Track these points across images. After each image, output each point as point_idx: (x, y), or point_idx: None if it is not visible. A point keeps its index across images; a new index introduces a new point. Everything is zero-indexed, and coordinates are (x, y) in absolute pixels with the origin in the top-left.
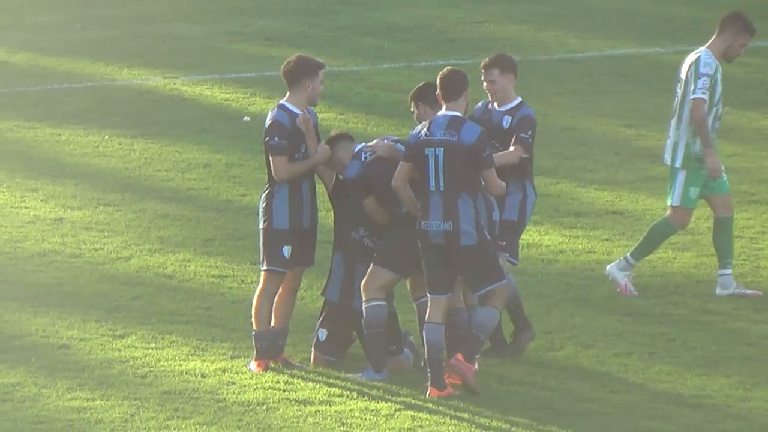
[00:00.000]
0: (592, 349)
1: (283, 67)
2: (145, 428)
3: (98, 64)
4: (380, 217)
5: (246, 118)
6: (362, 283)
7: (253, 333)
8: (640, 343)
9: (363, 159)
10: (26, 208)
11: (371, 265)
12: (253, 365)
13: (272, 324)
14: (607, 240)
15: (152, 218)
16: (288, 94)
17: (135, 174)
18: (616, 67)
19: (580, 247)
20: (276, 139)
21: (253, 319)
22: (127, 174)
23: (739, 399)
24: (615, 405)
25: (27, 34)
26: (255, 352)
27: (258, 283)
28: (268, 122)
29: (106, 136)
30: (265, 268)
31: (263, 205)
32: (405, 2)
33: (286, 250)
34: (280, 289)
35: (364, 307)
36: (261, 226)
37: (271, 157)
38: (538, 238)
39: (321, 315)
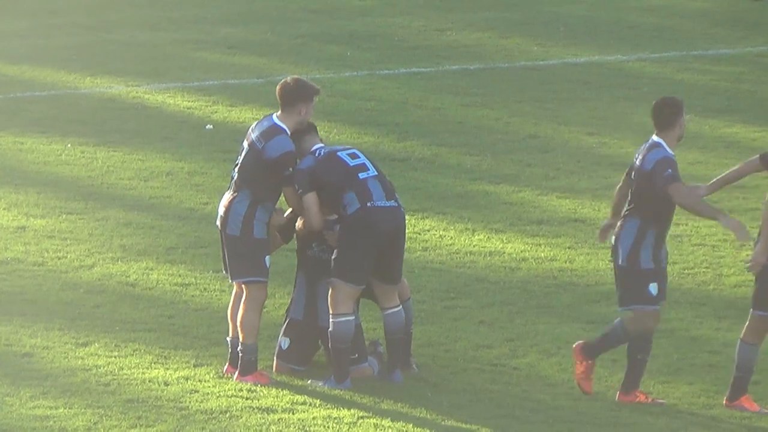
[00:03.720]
0: (554, 357)
1: (280, 86)
2: None
3: (61, 72)
4: (315, 217)
5: (209, 126)
6: (328, 297)
7: (242, 346)
8: None
9: (317, 154)
10: None
11: (331, 278)
12: (251, 378)
13: (232, 333)
14: (569, 248)
15: (115, 226)
16: (280, 111)
17: (98, 182)
18: (579, 75)
19: (543, 254)
20: (290, 169)
21: (240, 332)
22: (90, 182)
23: (702, 406)
24: (577, 413)
25: None
26: (244, 367)
27: (220, 292)
28: (282, 150)
29: (69, 145)
30: (249, 279)
31: (242, 216)
32: (367, 10)
33: (268, 260)
34: (236, 300)
35: (331, 321)
36: (233, 233)
37: (285, 189)
38: (501, 246)
39: (284, 323)
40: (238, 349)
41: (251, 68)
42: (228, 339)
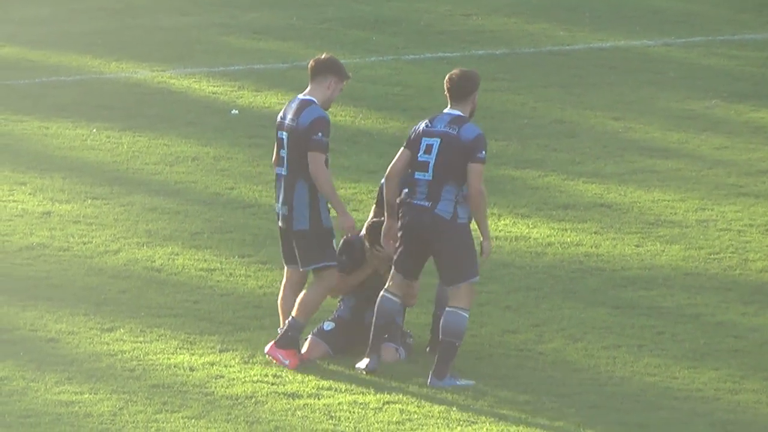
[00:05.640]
0: (580, 342)
1: (313, 60)
2: (134, 422)
3: (86, 57)
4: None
5: (234, 111)
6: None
7: (292, 320)
8: (628, 336)
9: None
10: (14, 201)
11: None
12: (283, 353)
13: (283, 324)
14: (595, 233)
15: (140, 211)
16: (309, 88)
17: (123, 167)
18: (604, 60)
19: (569, 239)
20: (320, 134)
21: (297, 307)
22: (115, 167)
23: (728, 391)
24: (604, 398)
25: (14, 28)
26: (284, 341)
27: (245, 277)
28: (312, 116)
29: (94, 130)
30: (322, 264)
31: (308, 207)
32: None
33: (335, 243)
34: (287, 290)
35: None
36: (302, 227)
37: (312, 153)
38: (527, 231)
39: (333, 314)
40: (287, 320)
41: (276, 53)
42: (280, 330)
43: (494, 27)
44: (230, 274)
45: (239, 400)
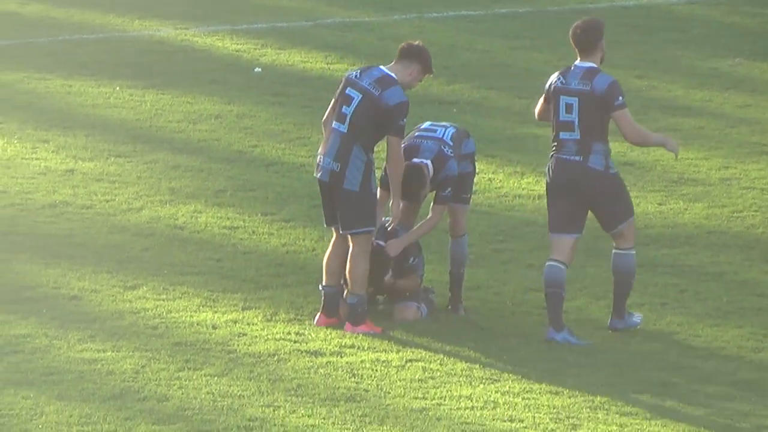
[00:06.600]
0: (603, 300)
1: (406, 43)
2: (156, 379)
3: (109, 15)
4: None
5: (257, 70)
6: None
7: (356, 297)
8: (651, 294)
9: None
10: (37, 159)
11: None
12: (365, 328)
13: (326, 281)
14: None
15: (163, 169)
16: (392, 64)
17: (146, 125)
18: (628, 18)
19: None
20: (404, 120)
21: (351, 282)
22: (138, 125)
23: (751, 350)
24: (627, 356)
25: None
26: (356, 318)
27: (268, 235)
28: (400, 99)
29: (117, 88)
30: (362, 230)
31: (362, 171)
32: None
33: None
34: (335, 249)
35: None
36: (352, 188)
37: (393, 138)
38: None
39: None
40: (349, 301)
41: (300, 11)
42: (321, 287)
43: None
44: (253, 232)
45: (262, 358)
